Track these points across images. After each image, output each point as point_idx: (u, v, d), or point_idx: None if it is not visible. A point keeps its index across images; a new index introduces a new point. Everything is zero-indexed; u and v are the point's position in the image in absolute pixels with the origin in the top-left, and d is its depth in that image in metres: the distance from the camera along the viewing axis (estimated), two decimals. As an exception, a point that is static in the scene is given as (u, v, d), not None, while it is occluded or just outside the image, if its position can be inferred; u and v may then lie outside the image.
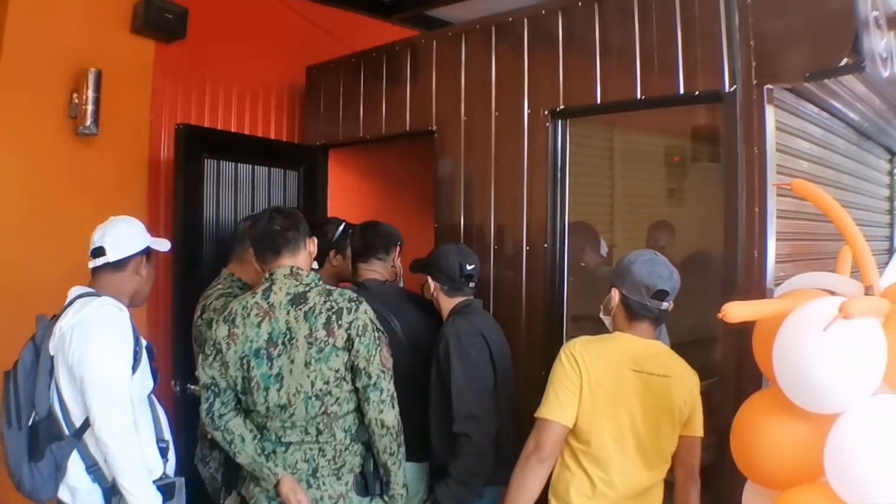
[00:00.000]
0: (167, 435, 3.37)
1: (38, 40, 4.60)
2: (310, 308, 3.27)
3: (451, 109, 4.87)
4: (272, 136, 5.97)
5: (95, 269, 3.33)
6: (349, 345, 3.25)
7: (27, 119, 4.55)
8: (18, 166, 4.53)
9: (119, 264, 3.31)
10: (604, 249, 5.19)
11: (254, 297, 3.36)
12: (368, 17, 6.85)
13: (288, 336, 3.26)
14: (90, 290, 3.26)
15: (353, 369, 3.28)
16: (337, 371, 3.25)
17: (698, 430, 3.17)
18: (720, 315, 2.58)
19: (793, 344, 2.49)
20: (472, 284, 3.92)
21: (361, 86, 5.53)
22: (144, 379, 3.27)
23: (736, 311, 2.59)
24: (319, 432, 3.28)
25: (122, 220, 3.42)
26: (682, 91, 3.85)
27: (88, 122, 4.66)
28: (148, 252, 3.44)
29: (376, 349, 3.29)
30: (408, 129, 5.20)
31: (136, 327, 3.27)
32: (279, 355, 3.26)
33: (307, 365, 3.23)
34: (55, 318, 3.21)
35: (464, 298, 3.90)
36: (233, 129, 5.72)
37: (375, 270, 4.12)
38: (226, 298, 3.88)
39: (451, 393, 3.59)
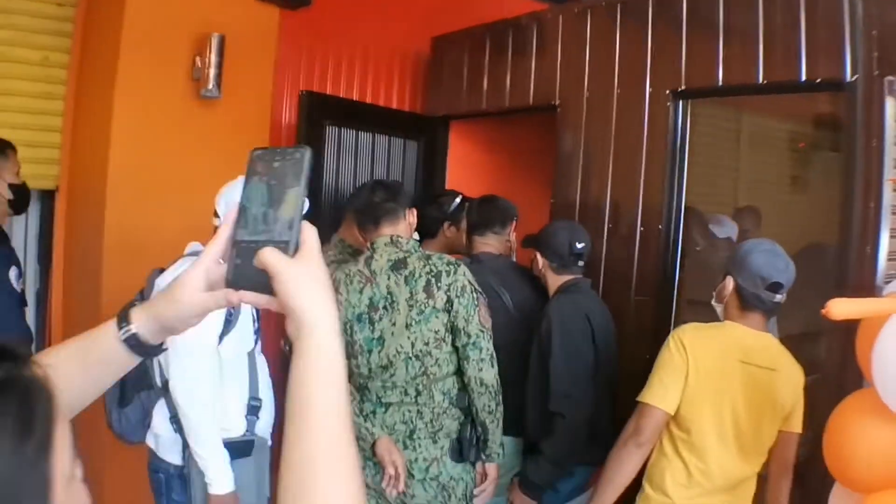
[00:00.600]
0: (263, 393, 3.40)
1: (161, 3, 4.64)
2: (410, 272, 3.37)
3: (574, 85, 4.84)
4: (393, 106, 5.97)
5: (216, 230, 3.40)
6: (449, 306, 3.34)
7: (150, 81, 4.59)
8: (141, 126, 4.58)
9: None
10: (733, 231, 5.07)
11: (356, 265, 3.52)
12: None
13: (389, 300, 3.39)
14: (202, 247, 3.32)
15: (453, 330, 3.36)
16: (437, 332, 3.35)
17: (798, 425, 3.12)
18: (823, 311, 2.52)
19: (891, 346, 2.43)
20: (580, 263, 3.89)
21: (486, 58, 5.52)
22: (242, 340, 3.31)
23: (839, 309, 2.51)
24: (419, 393, 3.39)
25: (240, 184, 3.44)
26: (803, 77, 3.76)
27: (211, 86, 4.66)
28: None
29: (475, 309, 3.36)
30: (531, 102, 5.17)
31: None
32: (380, 319, 3.39)
33: (408, 327, 3.35)
34: (163, 271, 3.28)
35: (571, 277, 3.87)
36: (354, 98, 5.75)
37: (490, 244, 4.13)
38: (337, 265, 3.93)
39: (549, 372, 3.61)
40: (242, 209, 1.18)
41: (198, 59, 4.70)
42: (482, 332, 3.36)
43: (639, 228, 4.45)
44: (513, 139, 6.39)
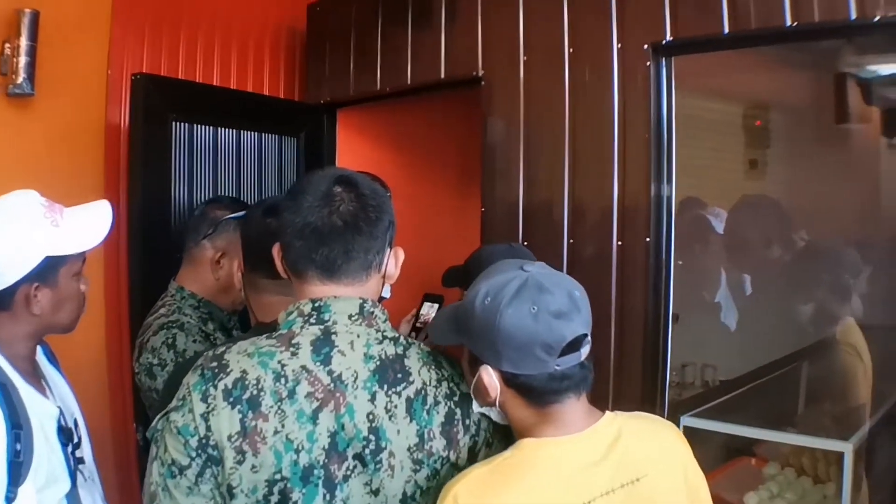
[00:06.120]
0: None
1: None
2: (418, 391, 1.70)
3: (504, 49, 3.59)
4: (263, 92, 4.68)
5: None
6: (470, 460, 1.73)
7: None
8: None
9: None
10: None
11: (294, 352, 1.66)
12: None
13: (371, 444, 1.64)
14: None
15: None
16: None
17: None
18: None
19: None
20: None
21: (380, 25, 4.22)
22: (52, 480, 1.94)
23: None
24: None
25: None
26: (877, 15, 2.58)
27: (21, 80, 3.58)
28: (50, 266, 2.01)
29: None
30: (442, 76, 3.88)
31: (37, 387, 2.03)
32: (347, 478, 1.63)
33: (405, 501, 1.68)
34: None
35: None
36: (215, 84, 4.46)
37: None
38: (167, 332, 2.55)
39: None
40: None
41: (6, 45, 3.61)
42: None
43: (615, 242, 3.20)
44: (421, 128, 5.18)
